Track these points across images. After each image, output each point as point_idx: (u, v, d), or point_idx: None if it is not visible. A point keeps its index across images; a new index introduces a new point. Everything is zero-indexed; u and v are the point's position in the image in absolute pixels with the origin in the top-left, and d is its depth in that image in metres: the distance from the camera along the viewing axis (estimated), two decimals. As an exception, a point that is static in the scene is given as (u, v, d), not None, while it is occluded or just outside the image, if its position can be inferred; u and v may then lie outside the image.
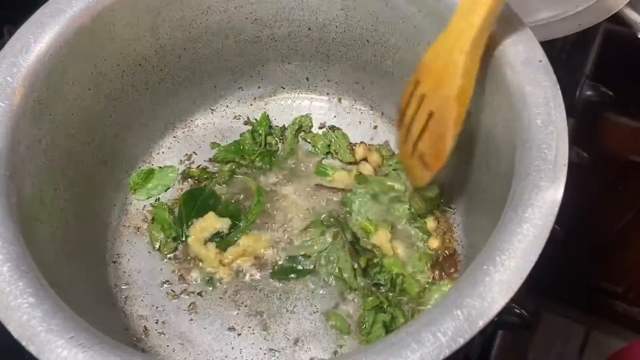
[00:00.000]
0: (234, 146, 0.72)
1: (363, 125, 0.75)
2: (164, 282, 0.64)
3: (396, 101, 0.72)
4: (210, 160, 0.72)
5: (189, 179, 0.71)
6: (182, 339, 0.60)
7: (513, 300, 0.41)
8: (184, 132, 0.74)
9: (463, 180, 0.66)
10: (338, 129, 0.73)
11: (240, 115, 0.76)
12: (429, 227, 0.65)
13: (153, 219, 0.67)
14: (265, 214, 0.67)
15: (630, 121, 0.91)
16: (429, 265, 0.63)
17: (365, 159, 0.71)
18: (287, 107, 0.76)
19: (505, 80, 0.52)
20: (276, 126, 0.75)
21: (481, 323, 0.40)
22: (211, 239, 0.66)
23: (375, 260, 0.63)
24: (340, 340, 0.60)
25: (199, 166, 0.72)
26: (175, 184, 0.71)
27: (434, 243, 0.64)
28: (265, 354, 0.60)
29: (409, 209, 0.66)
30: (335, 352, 0.59)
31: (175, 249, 0.65)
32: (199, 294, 0.63)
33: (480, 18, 0.48)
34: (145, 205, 0.69)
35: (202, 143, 0.74)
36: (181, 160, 0.72)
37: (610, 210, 1.06)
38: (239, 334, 0.61)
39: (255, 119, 0.74)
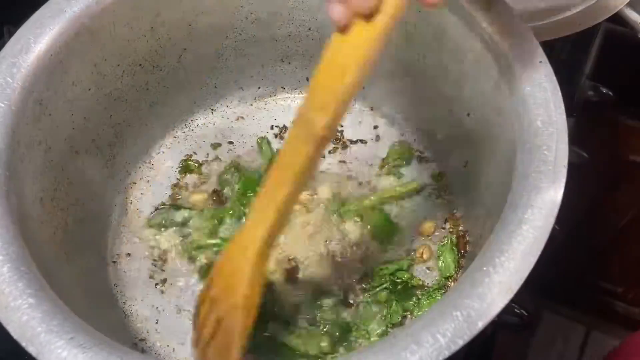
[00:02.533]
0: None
1: (363, 125, 0.74)
2: (164, 282, 0.64)
3: (396, 101, 0.72)
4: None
5: (187, 174, 0.71)
6: (182, 339, 0.60)
7: (513, 300, 0.41)
8: (184, 132, 0.74)
9: (462, 181, 0.66)
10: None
11: (240, 116, 0.76)
12: (427, 228, 0.66)
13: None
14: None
15: (630, 121, 0.91)
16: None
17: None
18: (287, 107, 0.76)
19: (505, 81, 0.52)
20: (276, 126, 0.75)
21: (480, 324, 0.40)
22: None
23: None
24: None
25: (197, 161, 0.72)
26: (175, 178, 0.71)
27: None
28: (265, 354, 0.60)
29: None
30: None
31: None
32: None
33: (266, 229, 0.45)
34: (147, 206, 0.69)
35: (202, 143, 0.74)
36: (181, 161, 0.72)
37: (610, 210, 1.06)
38: (238, 334, 0.61)
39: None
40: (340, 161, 0.71)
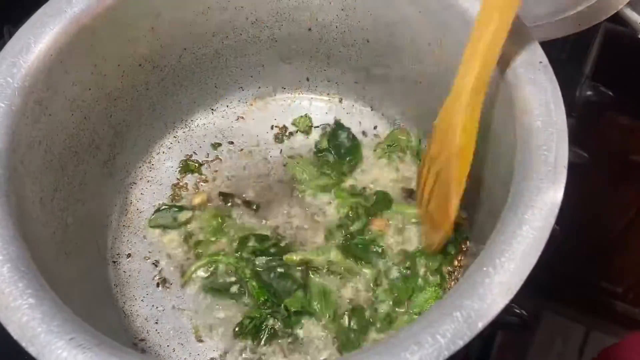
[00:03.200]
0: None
1: (363, 125, 0.75)
2: (164, 282, 0.64)
3: (396, 101, 0.72)
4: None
5: (187, 174, 0.71)
6: (182, 339, 0.60)
7: (513, 300, 0.41)
8: (184, 132, 0.74)
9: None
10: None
11: (240, 116, 0.76)
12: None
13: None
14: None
15: (630, 121, 0.91)
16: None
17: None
18: (287, 107, 0.76)
19: (506, 82, 0.52)
20: (276, 126, 0.75)
21: (480, 325, 0.40)
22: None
23: None
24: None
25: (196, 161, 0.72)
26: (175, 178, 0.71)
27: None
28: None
29: None
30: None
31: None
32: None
33: (472, 80, 0.50)
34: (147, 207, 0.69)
35: (203, 143, 0.74)
36: (181, 161, 0.72)
37: (610, 210, 1.06)
38: (238, 334, 0.61)
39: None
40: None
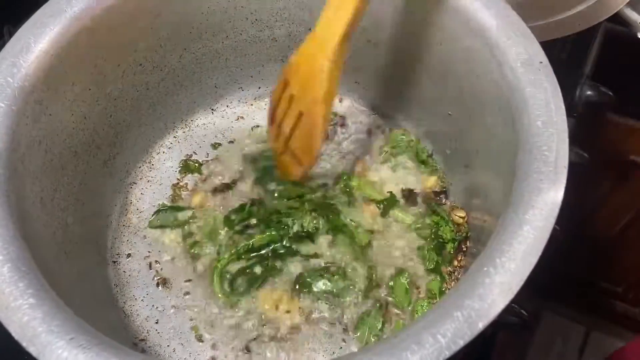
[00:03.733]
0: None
1: (363, 125, 0.74)
2: (164, 282, 0.64)
3: (396, 102, 0.72)
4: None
5: (187, 174, 0.71)
6: (182, 339, 0.60)
7: (513, 300, 0.41)
8: (184, 132, 0.74)
9: (463, 182, 0.66)
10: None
11: (240, 116, 0.76)
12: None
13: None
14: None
15: (630, 121, 0.91)
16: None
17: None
18: (287, 107, 0.76)
19: (506, 82, 0.52)
20: (276, 126, 0.75)
21: (481, 325, 0.40)
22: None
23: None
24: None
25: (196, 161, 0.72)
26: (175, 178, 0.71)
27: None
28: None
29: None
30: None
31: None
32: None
33: (342, 28, 0.52)
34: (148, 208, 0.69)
35: (203, 143, 0.74)
36: (181, 161, 0.72)
37: (610, 210, 1.06)
38: (239, 334, 0.61)
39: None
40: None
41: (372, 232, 0.65)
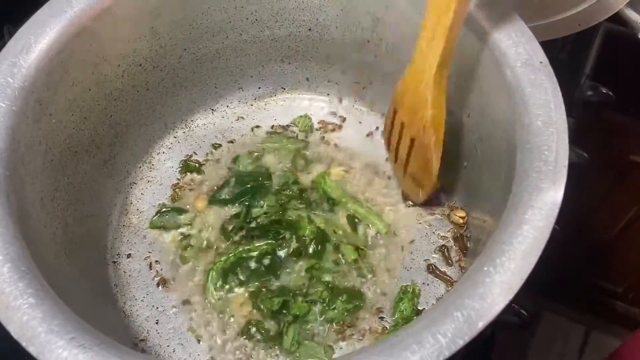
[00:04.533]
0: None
1: (363, 125, 0.75)
2: (164, 282, 0.64)
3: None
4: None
5: (187, 174, 0.71)
6: (182, 339, 0.60)
7: (513, 300, 0.41)
8: (184, 132, 0.74)
9: (463, 182, 0.66)
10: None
11: (241, 116, 0.76)
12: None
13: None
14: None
15: (630, 121, 0.91)
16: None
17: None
18: (288, 107, 0.76)
19: (506, 82, 0.52)
20: (279, 125, 0.75)
21: (481, 325, 0.40)
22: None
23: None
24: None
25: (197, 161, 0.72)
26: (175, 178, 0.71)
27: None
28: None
29: None
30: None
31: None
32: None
33: (437, 59, 0.53)
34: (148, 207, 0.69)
35: (203, 143, 0.74)
36: (181, 161, 0.72)
37: (610, 210, 1.06)
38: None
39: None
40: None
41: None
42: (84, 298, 0.55)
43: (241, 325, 0.61)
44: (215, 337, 0.60)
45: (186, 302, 0.62)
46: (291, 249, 0.64)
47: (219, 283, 0.63)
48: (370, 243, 0.65)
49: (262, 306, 0.61)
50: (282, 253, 0.64)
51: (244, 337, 0.60)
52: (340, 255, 0.64)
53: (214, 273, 0.63)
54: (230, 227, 0.66)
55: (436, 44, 0.53)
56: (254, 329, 0.60)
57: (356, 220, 0.66)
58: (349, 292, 0.62)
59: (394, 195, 0.69)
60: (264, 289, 0.62)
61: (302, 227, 0.65)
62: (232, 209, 0.68)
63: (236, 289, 0.63)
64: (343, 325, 0.60)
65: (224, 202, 0.68)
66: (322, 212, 0.67)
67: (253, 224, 0.66)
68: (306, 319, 0.61)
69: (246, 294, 0.62)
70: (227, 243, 0.65)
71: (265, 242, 0.65)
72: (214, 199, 0.69)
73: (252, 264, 0.64)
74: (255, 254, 0.64)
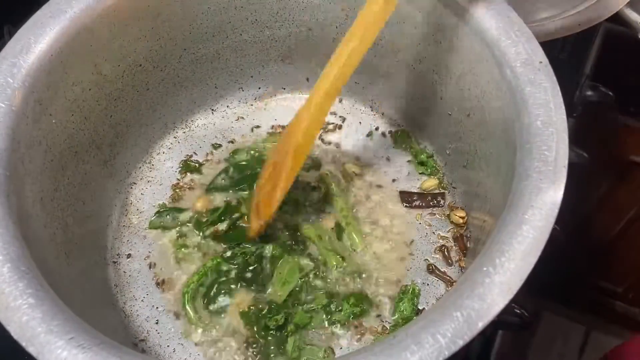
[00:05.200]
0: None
1: (363, 125, 0.75)
2: (164, 282, 0.64)
3: (396, 101, 0.72)
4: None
5: (187, 174, 0.71)
6: (182, 339, 0.60)
7: (513, 300, 0.41)
8: (184, 132, 0.74)
9: (463, 182, 0.66)
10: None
11: (241, 116, 0.76)
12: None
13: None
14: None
15: (630, 121, 0.91)
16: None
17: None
18: (288, 107, 0.76)
19: (506, 81, 0.52)
20: (279, 125, 0.75)
21: (480, 325, 0.40)
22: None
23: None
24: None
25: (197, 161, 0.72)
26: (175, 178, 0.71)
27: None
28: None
29: None
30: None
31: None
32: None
33: (327, 83, 0.52)
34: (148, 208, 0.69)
35: (203, 143, 0.74)
36: (181, 161, 0.72)
37: (610, 210, 1.06)
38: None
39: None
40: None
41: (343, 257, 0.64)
42: (84, 298, 0.56)
43: (241, 329, 0.61)
44: (218, 338, 0.60)
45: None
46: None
47: (199, 303, 0.62)
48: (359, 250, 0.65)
49: (262, 323, 0.60)
50: (267, 251, 0.64)
51: (245, 344, 0.60)
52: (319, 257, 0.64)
53: (188, 296, 0.62)
54: (204, 220, 0.66)
55: (330, 70, 0.52)
56: (254, 345, 0.60)
57: (342, 228, 0.66)
58: (355, 295, 0.61)
59: (394, 195, 0.69)
60: (252, 307, 0.61)
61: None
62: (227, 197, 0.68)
63: (223, 303, 0.62)
64: (347, 325, 0.60)
65: (221, 189, 0.69)
66: (313, 215, 0.67)
67: (224, 226, 0.66)
68: (310, 326, 0.60)
69: (237, 311, 0.62)
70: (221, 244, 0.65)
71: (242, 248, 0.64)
72: (210, 187, 0.69)
73: (232, 274, 0.63)
74: (235, 262, 0.64)
